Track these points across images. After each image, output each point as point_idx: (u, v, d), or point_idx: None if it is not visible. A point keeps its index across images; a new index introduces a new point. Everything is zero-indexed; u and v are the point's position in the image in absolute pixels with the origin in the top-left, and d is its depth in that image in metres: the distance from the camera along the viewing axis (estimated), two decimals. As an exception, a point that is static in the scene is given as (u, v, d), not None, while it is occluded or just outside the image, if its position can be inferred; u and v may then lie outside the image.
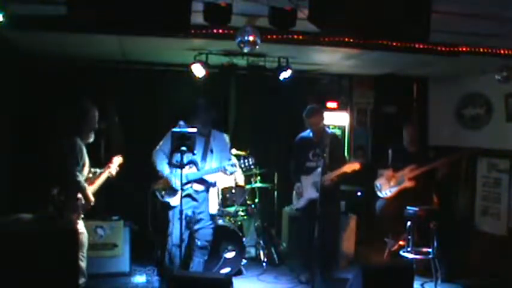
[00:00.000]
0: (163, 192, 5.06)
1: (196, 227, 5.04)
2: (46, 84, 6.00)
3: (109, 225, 5.61)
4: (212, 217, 5.28)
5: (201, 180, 5.04)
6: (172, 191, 4.98)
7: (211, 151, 5.08)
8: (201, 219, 5.07)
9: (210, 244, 5.18)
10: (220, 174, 5.16)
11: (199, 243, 5.08)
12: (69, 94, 5.66)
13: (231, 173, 5.13)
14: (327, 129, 5.66)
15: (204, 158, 5.05)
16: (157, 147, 5.10)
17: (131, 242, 5.70)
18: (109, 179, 4.70)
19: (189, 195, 5.01)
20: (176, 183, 4.86)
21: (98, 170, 4.68)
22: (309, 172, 5.34)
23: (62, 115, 4.82)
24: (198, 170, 5.02)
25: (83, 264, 4.50)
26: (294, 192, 5.58)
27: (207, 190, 5.14)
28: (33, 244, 3.61)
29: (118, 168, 4.74)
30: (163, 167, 5.01)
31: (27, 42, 5.18)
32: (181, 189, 4.71)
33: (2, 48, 4.92)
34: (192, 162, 5.00)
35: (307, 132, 5.53)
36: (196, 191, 5.03)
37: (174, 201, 4.99)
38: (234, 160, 5.30)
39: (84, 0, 3.10)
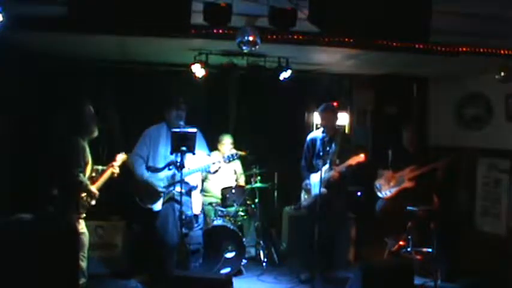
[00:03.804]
0: (145, 199, 5.03)
1: (185, 231, 4.97)
2: (46, 84, 5.99)
3: (109, 225, 5.60)
4: (202, 218, 5.29)
5: (182, 182, 4.92)
6: (153, 196, 4.96)
7: None
8: (189, 222, 5.03)
9: (202, 246, 5.16)
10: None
11: (191, 247, 5.06)
12: (69, 94, 5.66)
13: (215, 172, 5.13)
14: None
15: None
16: (133, 152, 5.06)
17: (131, 242, 5.70)
18: (112, 177, 4.71)
19: (172, 199, 4.95)
20: (160, 184, 4.90)
21: (101, 168, 4.69)
22: (318, 170, 5.35)
23: (61, 115, 4.84)
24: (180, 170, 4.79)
25: (83, 264, 4.50)
26: (303, 190, 5.59)
27: (188, 194, 5.08)
28: (33, 244, 3.61)
29: (120, 167, 4.76)
30: (143, 171, 4.99)
31: (27, 42, 5.18)
32: (180, 188, 4.69)
33: (2, 48, 4.91)
34: (172, 164, 4.91)
35: (319, 131, 5.59)
36: (179, 193, 4.76)
37: (156, 205, 4.99)
38: (218, 157, 5.31)
39: (84, 0, 3.10)
